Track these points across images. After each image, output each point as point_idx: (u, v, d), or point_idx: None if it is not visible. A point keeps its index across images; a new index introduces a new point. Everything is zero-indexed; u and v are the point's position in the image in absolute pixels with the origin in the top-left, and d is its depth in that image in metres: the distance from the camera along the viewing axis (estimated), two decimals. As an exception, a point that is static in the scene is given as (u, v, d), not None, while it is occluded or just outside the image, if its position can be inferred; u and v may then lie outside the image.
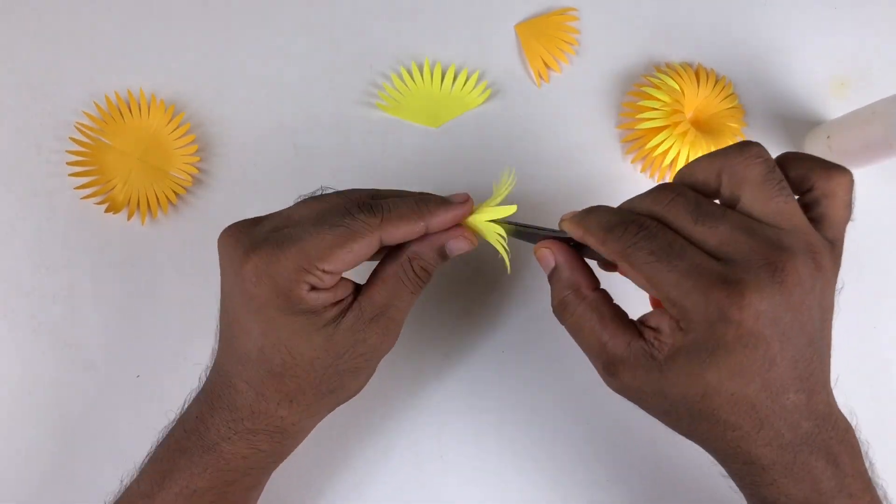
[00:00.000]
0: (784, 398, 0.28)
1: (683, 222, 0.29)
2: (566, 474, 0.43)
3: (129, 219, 0.45)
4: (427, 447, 0.43)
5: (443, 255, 0.35)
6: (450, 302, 0.45)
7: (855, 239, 0.46)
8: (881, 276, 0.46)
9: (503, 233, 0.35)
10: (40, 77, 0.47)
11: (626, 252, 0.29)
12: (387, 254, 0.35)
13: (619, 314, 0.32)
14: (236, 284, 0.31)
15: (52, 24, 0.48)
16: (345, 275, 0.33)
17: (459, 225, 0.35)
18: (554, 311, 0.34)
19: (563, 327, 0.34)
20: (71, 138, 0.45)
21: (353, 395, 0.35)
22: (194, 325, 0.44)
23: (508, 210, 0.35)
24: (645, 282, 0.29)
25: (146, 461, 0.35)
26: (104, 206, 0.45)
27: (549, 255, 0.34)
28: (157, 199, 0.45)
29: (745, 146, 0.29)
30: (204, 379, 0.35)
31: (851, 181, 0.30)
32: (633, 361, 0.30)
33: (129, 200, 0.45)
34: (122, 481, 0.35)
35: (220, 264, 0.33)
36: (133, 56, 0.48)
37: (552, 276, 0.34)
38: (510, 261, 0.35)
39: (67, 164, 0.45)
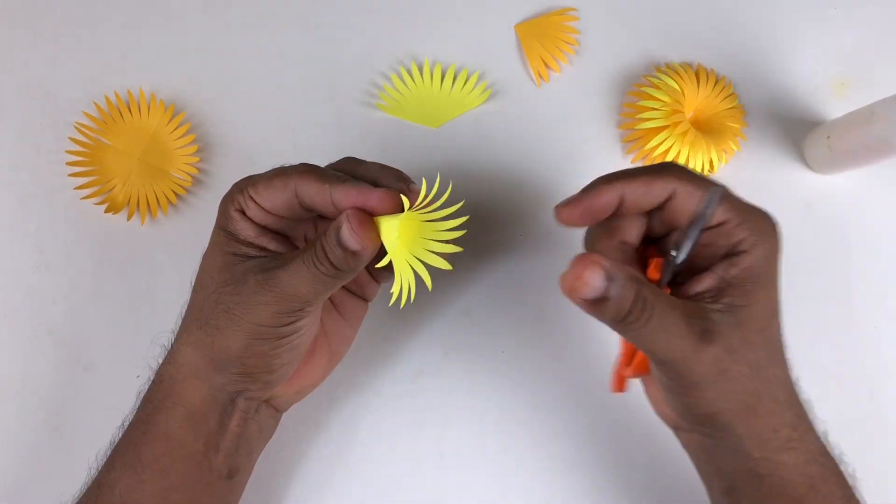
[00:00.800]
0: (782, 352, 0.32)
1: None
2: (566, 474, 0.43)
3: (129, 219, 0.45)
4: (427, 447, 0.43)
5: (340, 242, 0.31)
6: (450, 302, 0.45)
7: (855, 239, 0.46)
8: (881, 276, 0.46)
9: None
10: (40, 77, 0.47)
11: (690, 173, 0.32)
12: None
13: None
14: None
15: (52, 24, 0.48)
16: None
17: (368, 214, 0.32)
18: (624, 321, 0.29)
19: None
20: (71, 138, 0.45)
21: (229, 355, 0.33)
22: (194, 325, 0.44)
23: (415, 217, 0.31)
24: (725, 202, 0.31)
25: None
26: (104, 206, 0.45)
27: (598, 269, 0.28)
28: (157, 199, 0.45)
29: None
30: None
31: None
32: (715, 318, 0.30)
33: (129, 200, 0.45)
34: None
35: None
36: (133, 56, 0.48)
37: (611, 289, 0.29)
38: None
39: (67, 164, 0.45)
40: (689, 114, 0.47)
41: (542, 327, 0.45)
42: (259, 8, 0.49)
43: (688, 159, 0.45)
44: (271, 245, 0.34)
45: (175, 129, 0.46)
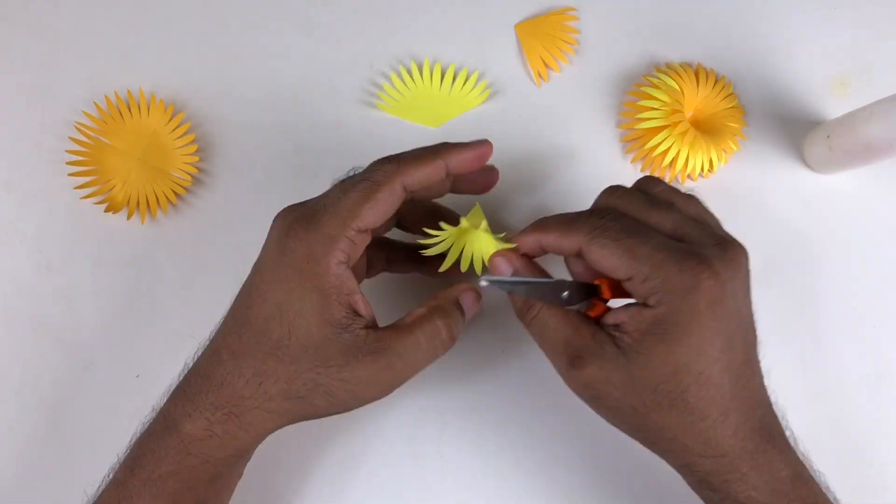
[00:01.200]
0: (743, 381, 0.31)
1: (640, 210, 0.32)
2: (567, 474, 0.43)
3: (129, 219, 0.45)
4: (427, 447, 0.43)
5: (461, 310, 0.35)
6: (450, 302, 0.45)
7: (855, 239, 0.46)
8: (881, 276, 0.46)
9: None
10: (40, 77, 0.47)
11: (593, 234, 0.31)
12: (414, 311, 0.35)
13: (579, 312, 0.33)
14: (276, 252, 0.32)
15: (52, 24, 0.48)
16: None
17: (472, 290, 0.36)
18: (518, 314, 0.35)
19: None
20: (71, 138, 0.45)
21: (310, 418, 0.34)
22: (194, 325, 0.44)
23: (510, 244, 0.36)
24: (615, 261, 0.30)
25: (126, 447, 0.35)
26: (104, 206, 0.45)
27: (505, 261, 0.34)
28: (157, 199, 0.45)
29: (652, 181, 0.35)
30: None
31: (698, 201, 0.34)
32: (600, 351, 0.31)
33: (129, 200, 0.45)
34: (108, 471, 0.35)
35: (268, 235, 0.34)
36: (133, 56, 0.48)
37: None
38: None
39: (67, 164, 0.45)
40: (688, 113, 0.47)
41: (541, 327, 0.45)
42: (259, 8, 0.49)
43: (687, 159, 0.45)
44: (361, 307, 0.33)
45: (175, 129, 0.46)
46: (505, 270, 0.34)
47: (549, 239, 0.33)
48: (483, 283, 0.33)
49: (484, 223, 0.37)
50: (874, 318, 0.45)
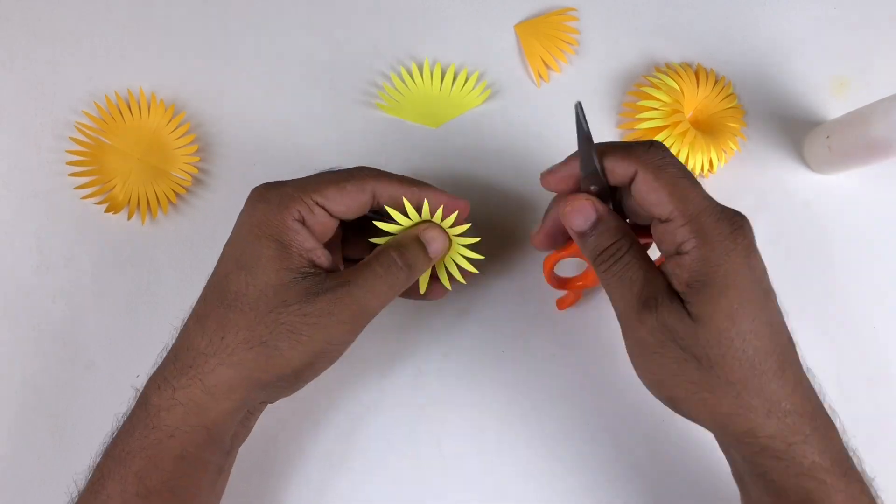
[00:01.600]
0: (784, 339, 0.31)
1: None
2: (566, 474, 0.43)
3: (129, 219, 0.45)
4: (427, 447, 0.43)
5: (421, 245, 0.35)
6: (450, 302, 0.45)
7: (855, 239, 0.46)
8: (881, 276, 0.46)
9: (470, 256, 0.38)
10: (40, 77, 0.47)
11: (657, 161, 0.31)
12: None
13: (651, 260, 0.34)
14: (241, 214, 0.34)
15: (52, 24, 0.48)
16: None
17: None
18: (598, 258, 0.33)
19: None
20: (71, 138, 0.45)
21: (284, 372, 0.33)
22: (194, 324, 0.44)
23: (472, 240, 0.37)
24: (664, 197, 0.31)
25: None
26: (104, 206, 0.45)
27: (591, 206, 0.33)
28: (157, 198, 0.45)
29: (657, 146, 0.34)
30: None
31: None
32: (671, 296, 0.31)
33: (129, 200, 0.45)
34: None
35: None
36: (133, 56, 0.48)
37: (597, 226, 0.33)
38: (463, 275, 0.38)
39: (67, 163, 0.45)
40: (688, 114, 0.47)
41: (541, 326, 0.45)
42: (259, 8, 0.49)
43: (687, 159, 0.45)
44: (322, 260, 0.33)
45: (175, 129, 0.46)
46: (589, 214, 0.33)
47: (609, 160, 0.33)
48: (577, 106, 0.33)
49: (449, 221, 0.36)
50: (874, 318, 0.45)
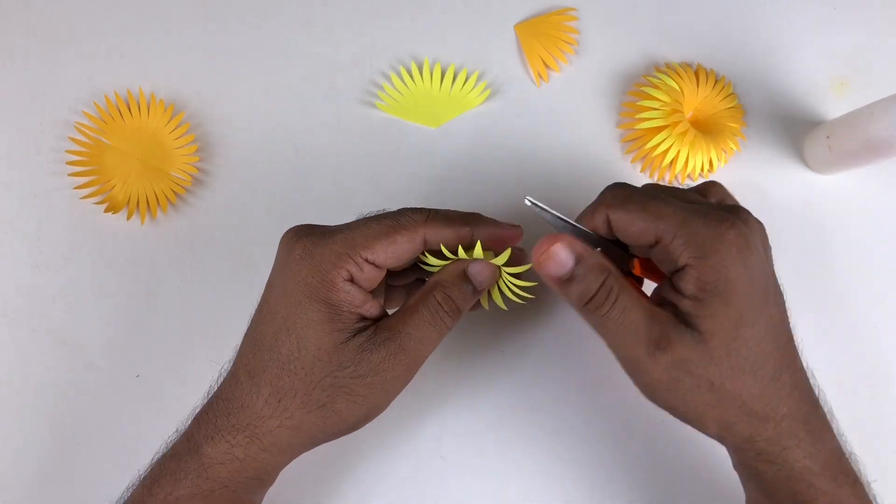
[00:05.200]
0: (784, 339, 0.31)
1: (662, 187, 0.34)
2: (566, 474, 0.43)
3: (128, 219, 0.45)
4: (427, 447, 0.43)
5: (467, 282, 0.34)
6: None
7: (855, 239, 0.46)
8: (881, 276, 0.46)
9: (521, 285, 0.36)
10: (40, 77, 0.47)
11: (620, 197, 0.32)
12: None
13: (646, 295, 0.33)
14: (283, 267, 0.32)
15: (52, 24, 0.48)
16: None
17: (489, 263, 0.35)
18: (587, 303, 0.31)
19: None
20: (71, 138, 0.45)
21: (341, 430, 0.34)
22: (194, 324, 0.44)
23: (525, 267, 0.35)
24: (643, 224, 0.31)
25: (147, 465, 0.35)
26: (104, 206, 0.45)
27: (566, 247, 0.31)
28: (157, 199, 0.45)
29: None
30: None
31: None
32: (680, 330, 0.30)
33: (129, 200, 0.45)
34: (127, 487, 0.35)
35: (276, 255, 0.34)
36: (133, 56, 0.48)
37: (577, 269, 0.31)
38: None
39: (67, 163, 0.45)
40: (688, 114, 0.47)
41: (541, 326, 0.45)
42: (259, 8, 0.49)
43: (687, 159, 0.45)
44: (372, 312, 0.33)
45: (175, 129, 0.46)
46: (566, 260, 0.31)
47: (578, 217, 0.33)
48: (527, 202, 0.33)
49: (501, 258, 0.35)
50: (874, 318, 0.45)
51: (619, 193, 0.32)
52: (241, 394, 0.33)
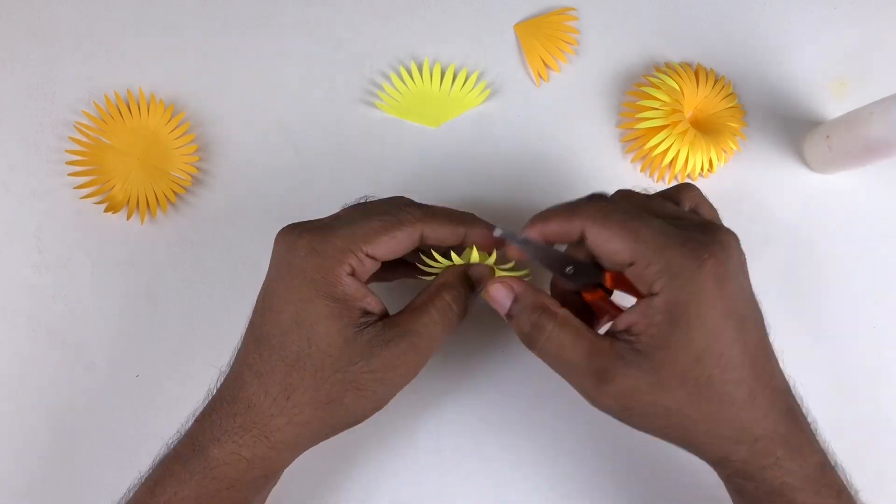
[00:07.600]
0: (761, 363, 0.31)
1: (640, 199, 0.33)
2: (565, 474, 0.43)
3: (128, 218, 0.45)
4: (427, 446, 0.43)
5: (470, 284, 0.35)
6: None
7: (855, 239, 0.46)
8: (881, 276, 0.46)
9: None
10: (40, 77, 0.47)
11: (595, 217, 0.31)
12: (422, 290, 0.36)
13: (586, 326, 0.33)
14: (286, 265, 0.33)
15: (52, 24, 0.48)
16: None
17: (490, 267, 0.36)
18: (525, 340, 0.33)
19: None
20: (71, 138, 0.45)
21: (348, 423, 0.34)
22: (194, 324, 0.44)
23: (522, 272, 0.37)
24: (618, 245, 0.30)
25: (148, 467, 0.35)
26: (104, 206, 0.45)
27: (504, 287, 0.34)
28: (157, 198, 0.45)
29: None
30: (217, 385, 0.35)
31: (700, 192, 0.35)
32: (623, 359, 0.30)
33: (129, 200, 0.45)
34: (128, 489, 0.35)
35: (272, 254, 0.34)
36: (133, 56, 0.48)
37: (513, 308, 0.34)
38: None
39: (67, 163, 0.45)
40: (688, 113, 0.47)
41: (541, 327, 0.45)
42: (259, 8, 0.49)
43: (687, 159, 0.45)
44: (374, 307, 0.34)
45: (175, 129, 0.46)
46: (504, 299, 0.34)
47: (553, 227, 0.33)
48: (497, 232, 0.34)
49: (492, 258, 0.37)
50: (874, 318, 0.45)
51: (600, 209, 0.32)
52: (247, 394, 0.33)
